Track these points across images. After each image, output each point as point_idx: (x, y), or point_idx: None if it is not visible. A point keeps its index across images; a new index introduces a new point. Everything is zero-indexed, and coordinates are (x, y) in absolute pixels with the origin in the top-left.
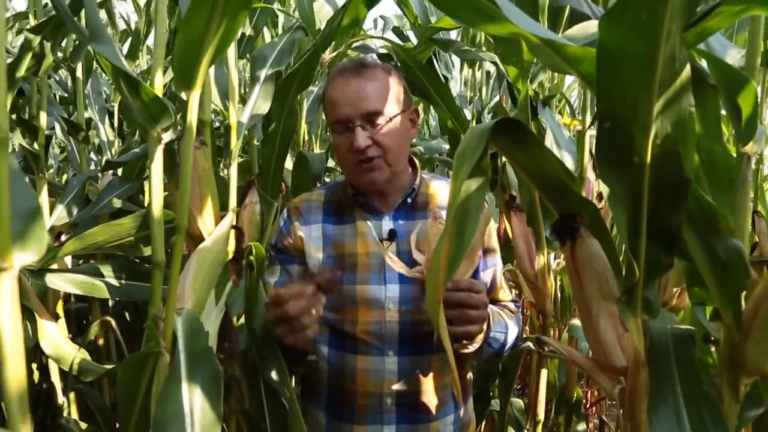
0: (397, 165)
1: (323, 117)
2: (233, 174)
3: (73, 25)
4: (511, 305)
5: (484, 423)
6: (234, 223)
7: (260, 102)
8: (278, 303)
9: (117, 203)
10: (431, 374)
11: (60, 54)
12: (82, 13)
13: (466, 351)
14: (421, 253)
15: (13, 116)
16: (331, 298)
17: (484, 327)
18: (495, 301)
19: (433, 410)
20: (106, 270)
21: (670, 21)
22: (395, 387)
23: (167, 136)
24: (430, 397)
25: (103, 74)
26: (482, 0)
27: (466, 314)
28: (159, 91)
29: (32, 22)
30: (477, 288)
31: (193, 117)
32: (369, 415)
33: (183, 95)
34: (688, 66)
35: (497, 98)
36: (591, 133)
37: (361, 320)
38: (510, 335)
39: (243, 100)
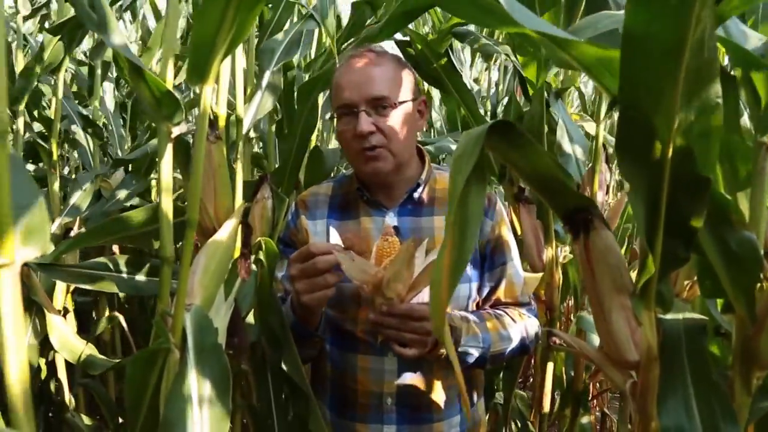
0: (402, 155)
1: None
2: (239, 169)
3: (89, 19)
4: (517, 312)
5: (488, 416)
6: (243, 219)
7: (267, 96)
8: (307, 257)
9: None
10: (432, 375)
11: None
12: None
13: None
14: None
15: (36, 111)
16: (333, 297)
17: (427, 349)
18: (497, 303)
19: (435, 411)
20: (115, 265)
21: (701, 7)
22: (395, 387)
23: (177, 130)
24: (431, 397)
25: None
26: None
27: (402, 337)
28: (170, 84)
29: (54, 19)
30: (416, 315)
31: (206, 111)
32: (370, 414)
33: (196, 88)
34: (717, 55)
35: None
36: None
37: (362, 319)
38: (497, 345)
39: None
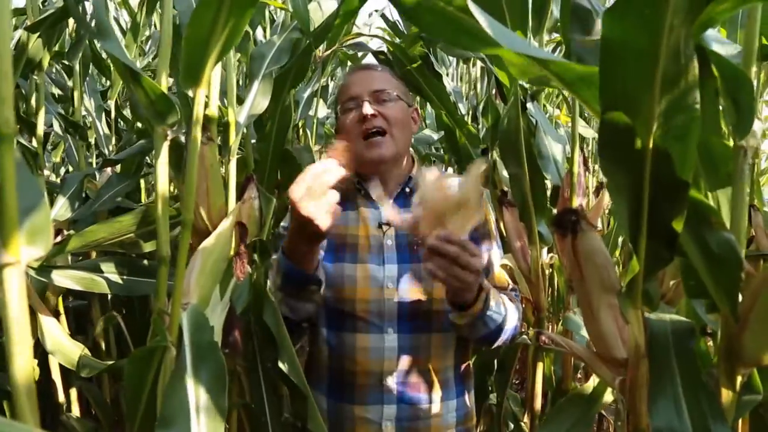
0: (400, 144)
1: (318, 114)
2: (232, 170)
3: (83, 23)
4: (510, 294)
5: (481, 416)
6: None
7: (258, 99)
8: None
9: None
10: (432, 354)
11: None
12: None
13: (460, 321)
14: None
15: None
16: (332, 278)
17: (475, 294)
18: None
19: (433, 392)
20: (106, 266)
21: (673, 15)
22: (395, 366)
23: (172, 133)
24: (430, 378)
25: (97, 72)
26: (465, 19)
27: (453, 270)
28: (164, 87)
29: (30, 19)
30: (471, 250)
31: (199, 113)
32: (369, 394)
33: (189, 92)
34: (695, 62)
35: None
36: (582, 128)
37: (360, 298)
38: (508, 320)
39: (239, 99)
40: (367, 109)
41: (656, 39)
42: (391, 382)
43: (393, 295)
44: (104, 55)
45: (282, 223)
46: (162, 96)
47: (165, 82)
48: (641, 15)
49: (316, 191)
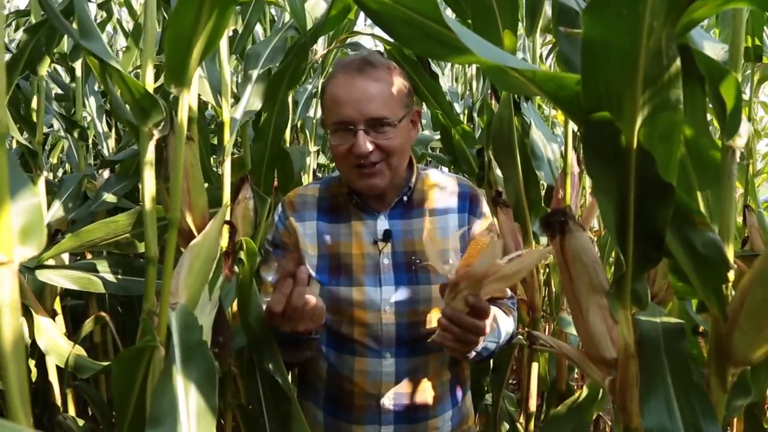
0: (398, 169)
1: (317, 114)
2: (227, 170)
3: (61, 24)
4: (508, 303)
5: (477, 417)
6: (227, 219)
7: (253, 99)
8: (280, 312)
9: (111, 200)
10: (428, 374)
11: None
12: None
13: (456, 355)
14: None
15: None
16: (328, 300)
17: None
18: (493, 299)
19: (431, 408)
20: (102, 266)
21: (652, 16)
22: (392, 388)
23: (158, 132)
24: (427, 395)
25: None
26: (439, 29)
27: (467, 337)
28: (149, 86)
29: (32, 20)
30: (487, 314)
31: (183, 113)
32: (366, 415)
33: (173, 91)
34: (678, 62)
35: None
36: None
37: (358, 322)
38: (503, 336)
39: (235, 98)
40: (363, 146)
41: (636, 39)
42: (389, 403)
43: (390, 319)
44: None
45: (267, 236)
46: (146, 94)
47: (150, 80)
48: (619, 15)
49: (296, 312)
